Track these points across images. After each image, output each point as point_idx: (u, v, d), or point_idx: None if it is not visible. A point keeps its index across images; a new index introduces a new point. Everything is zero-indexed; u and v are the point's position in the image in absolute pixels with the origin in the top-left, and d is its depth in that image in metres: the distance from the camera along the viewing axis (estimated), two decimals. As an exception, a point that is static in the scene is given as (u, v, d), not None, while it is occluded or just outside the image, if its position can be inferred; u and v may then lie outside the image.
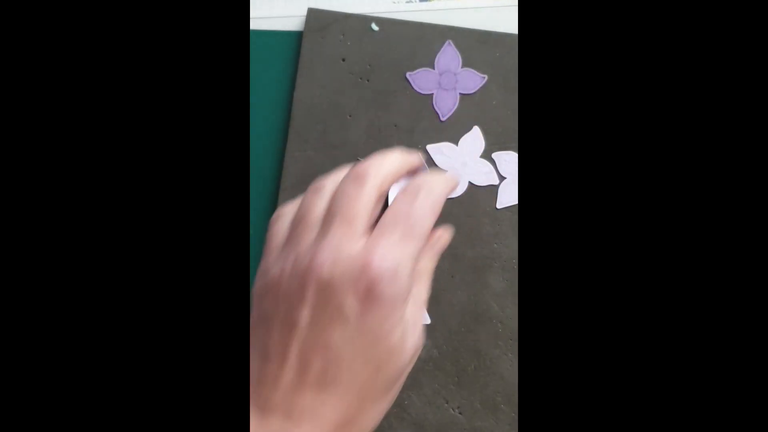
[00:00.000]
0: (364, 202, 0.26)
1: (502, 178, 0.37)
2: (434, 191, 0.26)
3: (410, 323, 0.26)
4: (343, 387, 0.25)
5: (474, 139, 0.37)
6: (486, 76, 0.37)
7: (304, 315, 0.25)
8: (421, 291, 0.28)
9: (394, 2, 0.38)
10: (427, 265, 0.29)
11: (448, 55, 0.37)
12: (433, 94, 0.37)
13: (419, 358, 0.36)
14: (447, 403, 0.35)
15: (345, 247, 0.25)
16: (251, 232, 0.38)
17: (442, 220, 0.36)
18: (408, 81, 0.37)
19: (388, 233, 0.25)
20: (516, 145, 0.37)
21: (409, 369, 0.27)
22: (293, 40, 0.38)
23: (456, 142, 0.37)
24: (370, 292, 0.24)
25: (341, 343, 0.25)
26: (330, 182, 0.28)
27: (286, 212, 0.29)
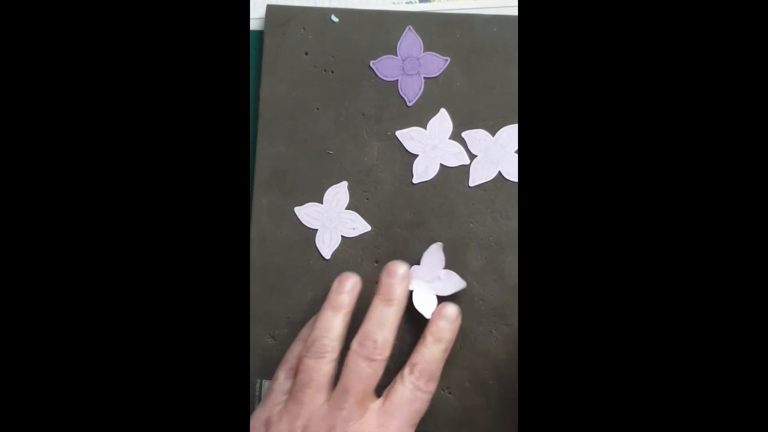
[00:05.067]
0: (371, 380, 0.30)
1: (472, 156, 0.37)
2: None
3: None
4: None
5: (441, 121, 0.37)
6: (448, 59, 0.37)
7: None
8: None
9: (394, 2, 0.39)
10: None
11: (410, 41, 0.37)
12: (397, 80, 0.37)
13: (403, 345, 0.36)
14: (436, 384, 0.36)
15: (353, 420, 0.28)
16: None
17: (415, 203, 0.37)
18: (372, 69, 0.38)
19: (392, 418, 0.29)
20: (483, 123, 0.37)
21: None
22: (257, 39, 0.39)
23: (424, 126, 0.37)
24: None
25: None
26: (327, 340, 0.31)
27: (287, 359, 0.32)
